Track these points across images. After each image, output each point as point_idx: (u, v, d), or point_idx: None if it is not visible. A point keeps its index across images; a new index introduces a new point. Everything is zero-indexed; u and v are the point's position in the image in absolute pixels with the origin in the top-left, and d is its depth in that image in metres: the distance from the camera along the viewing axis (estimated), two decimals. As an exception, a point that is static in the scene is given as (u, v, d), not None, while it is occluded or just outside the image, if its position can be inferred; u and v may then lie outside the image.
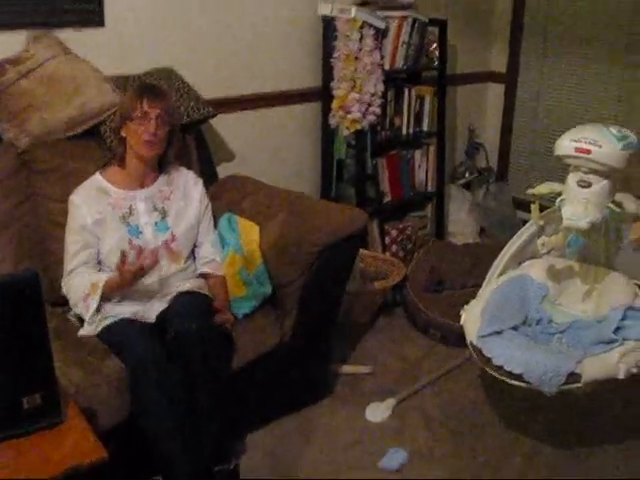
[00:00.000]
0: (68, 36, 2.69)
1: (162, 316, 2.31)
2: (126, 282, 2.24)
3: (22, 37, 2.60)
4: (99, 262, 2.40)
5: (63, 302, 2.40)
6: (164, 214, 2.46)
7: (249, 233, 2.57)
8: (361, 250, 3.24)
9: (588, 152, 2.30)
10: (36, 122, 2.53)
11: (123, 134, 2.38)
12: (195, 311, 2.28)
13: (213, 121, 3.05)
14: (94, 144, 2.63)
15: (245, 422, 2.58)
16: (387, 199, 3.77)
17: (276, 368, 2.57)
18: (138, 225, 2.41)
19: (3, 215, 2.47)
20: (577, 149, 2.32)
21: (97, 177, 2.44)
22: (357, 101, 3.31)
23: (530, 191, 2.62)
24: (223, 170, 3.16)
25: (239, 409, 2.42)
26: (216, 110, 2.93)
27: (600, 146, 2.29)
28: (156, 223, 2.44)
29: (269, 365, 2.53)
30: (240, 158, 3.37)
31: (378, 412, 2.77)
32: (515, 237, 2.79)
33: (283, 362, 2.58)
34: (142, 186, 2.45)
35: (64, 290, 2.38)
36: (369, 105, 3.36)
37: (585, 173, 2.36)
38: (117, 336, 2.22)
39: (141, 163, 2.42)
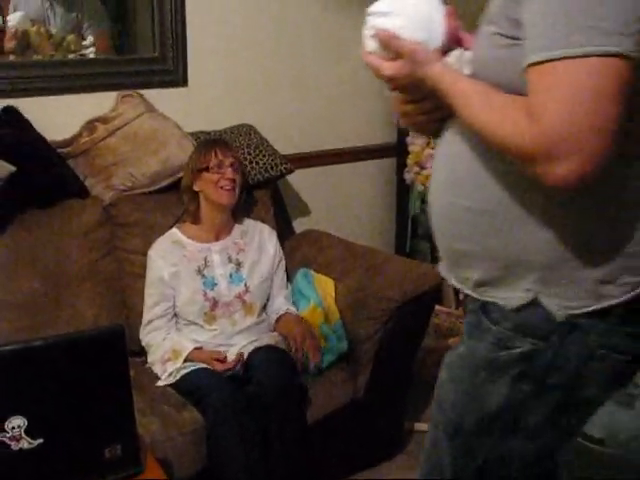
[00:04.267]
0: (153, 95, 2.81)
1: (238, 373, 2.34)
2: (210, 365, 2.31)
3: (112, 97, 2.73)
4: (175, 315, 2.45)
5: (142, 352, 2.46)
6: (239, 265, 2.50)
7: (325, 288, 2.58)
8: (435, 306, 3.21)
9: None
10: (121, 177, 2.62)
11: (196, 189, 2.46)
12: (276, 365, 2.29)
13: (289, 176, 3.10)
14: (174, 198, 2.70)
15: (316, 477, 2.55)
16: (461, 254, 3.72)
17: (349, 424, 2.54)
18: (214, 277, 2.46)
19: (86, 267, 2.54)
20: None
21: (173, 231, 2.52)
22: (432, 157, 3.32)
23: None
24: (298, 225, 3.20)
25: (310, 464, 2.40)
26: (293, 166, 2.99)
27: None
28: (231, 275, 2.48)
29: (342, 421, 2.50)
30: (315, 213, 3.40)
31: (452, 472, 2.70)
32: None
33: (356, 418, 2.55)
34: (217, 238, 2.52)
35: (143, 342, 2.45)
36: (444, 161, 3.36)
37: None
38: (196, 384, 2.23)
39: (218, 214, 2.49)
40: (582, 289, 1.15)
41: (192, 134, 2.78)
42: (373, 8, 1.25)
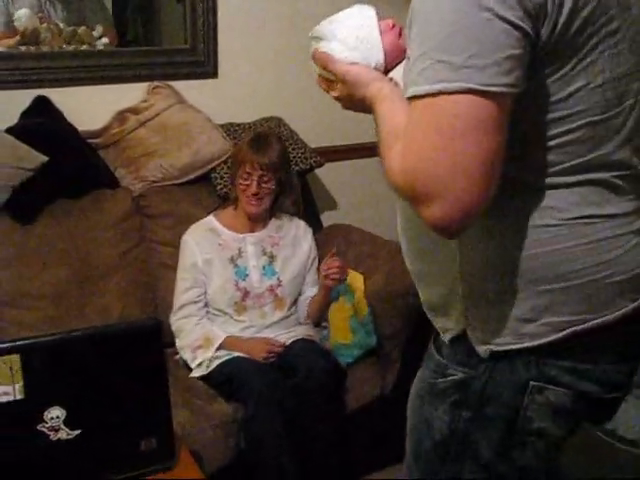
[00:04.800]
0: (184, 87, 2.81)
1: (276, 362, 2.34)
2: (249, 353, 2.32)
3: (143, 88, 2.74)
4: (206, 304, 2.45)
5: (171, 344, 2.46)
6: (272, 259, 2.50)
7: (354, 282, 2.57)
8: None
9: None
10: (151, 168, 2.62)
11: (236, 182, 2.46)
12: (315, 355, 2.31)
13: (318, 170, 3.08)
14: (204, 190, 2.71)
15: (344, 472, 2.55)
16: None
17: (376, 420, 2.53)
18: (246, 267, 2.46)
19: (115, 258, 2.55)
20: None
21: (210, 218, 2.52)
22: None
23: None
24: (327, 219, 3.18)
25: (337, 459, 2.40)
26: (322, 159, 2.97)
27: None
28: (264, 267, 2.48)
29: (368, 417, 2.50)
30: (344, 207, 3.39)
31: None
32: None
33: (383, 415, 2.54)
34: (252, 230, 2.51)
35: (173, 326, 2.45)
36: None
37: None
38: (232, 373, 2.24)
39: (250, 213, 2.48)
40: (503, 326, 1.10)
41: (222, 126, 2.79)
42: (312, 32, 1.25)
